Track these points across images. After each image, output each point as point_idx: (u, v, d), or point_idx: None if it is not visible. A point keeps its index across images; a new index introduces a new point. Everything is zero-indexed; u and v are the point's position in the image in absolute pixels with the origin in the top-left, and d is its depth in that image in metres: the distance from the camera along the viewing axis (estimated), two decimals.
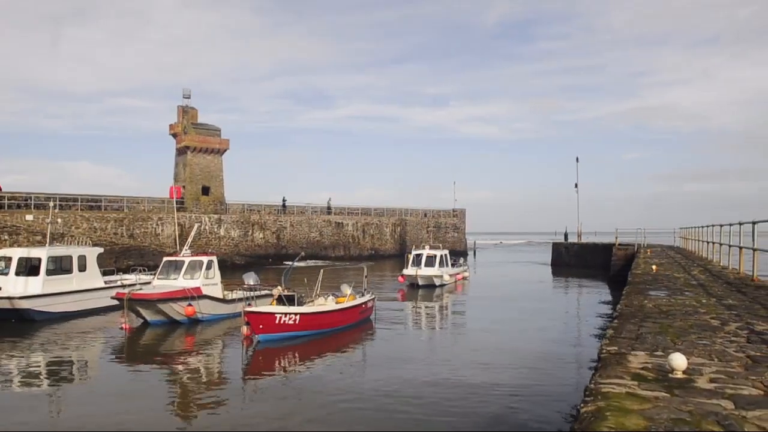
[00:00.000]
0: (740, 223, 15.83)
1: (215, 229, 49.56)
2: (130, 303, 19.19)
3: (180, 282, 20.34)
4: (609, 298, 27.40)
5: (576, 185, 56.10)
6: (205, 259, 21.31)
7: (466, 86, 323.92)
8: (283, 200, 57.64)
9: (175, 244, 22.94)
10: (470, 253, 72.88)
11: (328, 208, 61.31)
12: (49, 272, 21.34)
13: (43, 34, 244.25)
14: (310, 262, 47.00)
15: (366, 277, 22.51)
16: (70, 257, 22.37)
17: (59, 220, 32.56)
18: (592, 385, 4.76)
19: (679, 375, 4.99)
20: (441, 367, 13.79)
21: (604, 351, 6.18)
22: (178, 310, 19.60)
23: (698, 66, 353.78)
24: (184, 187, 51.67)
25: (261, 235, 52.70)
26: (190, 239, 23.44)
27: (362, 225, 61.96)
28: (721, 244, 20.79)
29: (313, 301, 18.45)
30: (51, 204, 26.39)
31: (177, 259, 21.38)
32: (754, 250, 14.19)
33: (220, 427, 9.65)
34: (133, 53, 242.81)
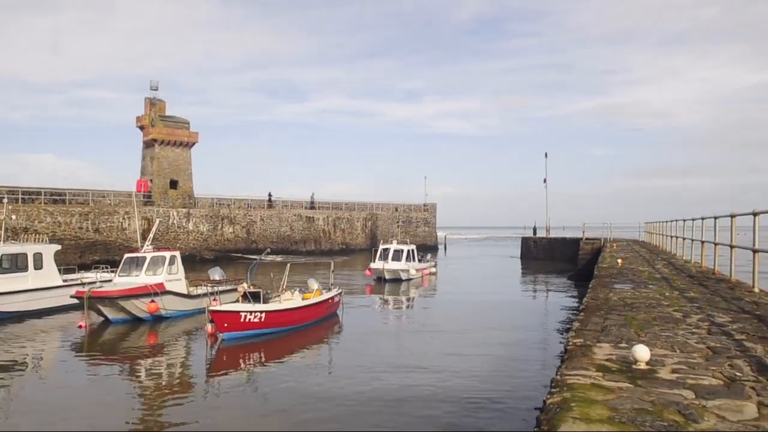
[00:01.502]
0: (702, 218, 16.18)
1: (183, 224, 48.73)
2: (90, 301, 18.68)
3: (142, 278, 19.88)
4: (575, 291, 27.82)
5: (545, 180, 56.88)
6: (167, 254, 20.89)
7: (438, 82, 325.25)
8: (269, 195, 57.40)
9: (141, 239, 22.45)
10: (441, 248, 73.28)
11: (312, 202, 61.18)
12: (2, 270, 20.64)
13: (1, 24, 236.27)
14: (278, 258, 46.58)
15: (333, 272, 22.39)
16: (25, 255, 21.65)
17: (13, 216, 31.47)
18: (558, 377, 4.76)
19: (643, 366, 5.02)
20: (406, 359, 13.75)
21: (570, 343, 6.19)
22: (141, 307, 19.15)
23: (665, 65, 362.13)
24: (151, 180, 50.66)
25: (231, 230, 52.04)
26: (151, 235, 22.97)
27: (333, 219, 61.70)
28: (684, 239, 21.26)
29: (279, 296, 18.23)
30: (4, 199, 25.42)
31: (138, 255, 20.91)
32: (716, 244, 14.52)
33: (180, 428, 9.40)
34: (98, 44, 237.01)
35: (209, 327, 16.23)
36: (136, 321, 19.08)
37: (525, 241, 55.50)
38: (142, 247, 21.55)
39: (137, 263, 20.56)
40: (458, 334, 17.35)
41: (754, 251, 10.22)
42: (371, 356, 14.41)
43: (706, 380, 4.64)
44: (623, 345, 6.03)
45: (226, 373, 13.30)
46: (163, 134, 51.24)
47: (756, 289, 10.81)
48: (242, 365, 14.15)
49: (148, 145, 52.03)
